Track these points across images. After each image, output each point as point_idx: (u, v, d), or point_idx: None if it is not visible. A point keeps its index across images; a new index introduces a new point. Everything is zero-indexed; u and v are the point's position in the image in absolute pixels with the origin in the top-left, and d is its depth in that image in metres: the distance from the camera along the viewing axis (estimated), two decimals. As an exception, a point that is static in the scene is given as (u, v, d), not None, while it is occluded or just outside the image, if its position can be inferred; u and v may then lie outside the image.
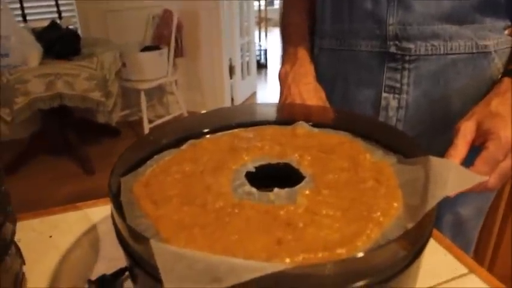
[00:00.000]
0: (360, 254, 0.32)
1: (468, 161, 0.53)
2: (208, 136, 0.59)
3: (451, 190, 0.39)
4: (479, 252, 1.49)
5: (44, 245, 0.58)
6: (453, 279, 0.52)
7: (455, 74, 0.71)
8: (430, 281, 0.51)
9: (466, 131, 0.56)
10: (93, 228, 0.61)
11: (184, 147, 0.56)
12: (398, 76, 0.74)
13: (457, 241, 0.61)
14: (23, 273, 0.50)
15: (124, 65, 2.77)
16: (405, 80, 0.73)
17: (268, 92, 4.33)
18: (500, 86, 0.64)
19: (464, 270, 0.53)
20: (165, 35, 3.05)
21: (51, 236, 0.60)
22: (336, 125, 0.60)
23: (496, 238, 1.52)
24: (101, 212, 0.65)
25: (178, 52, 3.22)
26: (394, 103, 0.75)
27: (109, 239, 0.58)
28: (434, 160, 0.45)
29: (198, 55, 3.42)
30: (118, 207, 0.43)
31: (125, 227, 0.38)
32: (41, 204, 2.10)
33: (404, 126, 0.76)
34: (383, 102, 0.76)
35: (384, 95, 0.76)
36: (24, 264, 0.50)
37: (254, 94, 4.14)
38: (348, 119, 0.62)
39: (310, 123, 0.60)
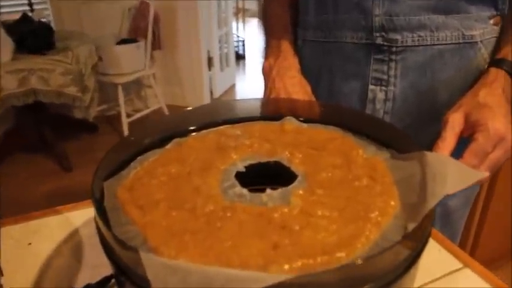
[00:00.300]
0: (364, 259, 0.31)
1: (456, 153, 0.52)
2: (193, 134, 0.57)
3: (451, 188, 0.37)
4: (461, 239, 1.51)
5: (23, 253, 0.55)
6: (448, 274, 0.51)
7: (442, 65, 0.71)
8: (425, 278, 0.50)
9: (454, 122, 0.56)
10: (75, 233, 0.58)
11: (169, 146, 0.54)
12: (385, 68, 0.72)
13: (444, 232, 0.60)
14: (1, 285, 0.47)
15: (100, 58, 2.70)
16: (392, 72, 0.72)
17: (247, 84, 4.30)
18: (487, 76, 0.64)
19: (459, 265, 0.53)
20: (141, 28, 2.98)
21: (30, 243, 0.57)
22: (325, 120, 0.58)
23: (476, 226, 1.54)
24: (82, 215, 0.62)
25: (156, 45, 3.16)
26: (381, 95, 0.74)
27: (92, 244, 0.56)
28: (430, 156, 0.43)
29: (176, 47, 3.36)
30: (102, 214, 0.40)
31: (111, 236, 0.35)
32: (19, 204, 2.04)
33: (392, 119, 0.75)
34: (370, 95, 0.75)
35: (371, 87, 0.75)
36: (2, 275, 0.47)
37: (233, 86, 4.10)
38: (337, 113, 0.61)
39: (299, 119, 0.59)
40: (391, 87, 0.73)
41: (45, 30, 2.44)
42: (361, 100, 0.76)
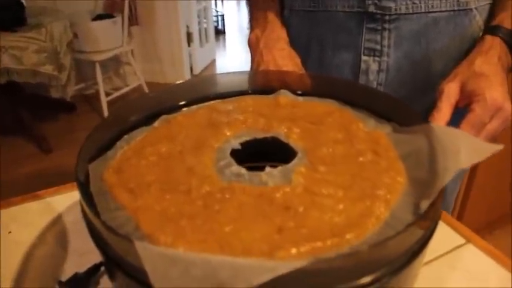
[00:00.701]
0: (383, 241, 0.28)
1: (452, 124, 0.50)
2: (182, 110, 0.53)
3: (465, 162, 0.35)
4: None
5: (3, 242, 0.51)
6: (451, 250, 0.50)
7: (437, 34, 0.68)
8: (429, 255, 0.48)
9: (450, 92, 0.54)
10: (58, 220, 0.55)
11: (156, 124, 0.50)
12: (378, 37, 0.69)
13: None
14: (-19, 278, 0.44)
15: (75, 35, 2.60)
16: (385, 42, 0.69)
17: (228, 59, 4.23)
18: (482, 44, 0.61)
19: (462, 240, 0.51)
20: (117, 2, 2.87)
21: (10, 232, 0.53)
22: (319, 92, 0.55)
23: (462, 195, 1.55)
24: (64, 200, 0.58)
25: (133, 20, 3.06)
26: (374, 66, 0.71)
27: (77, 230, 0.52)
28: (438, 129, 0.41)
29: (154, 23, 3.26)
30: (88, 199, 0.37)
31: (100, 223, 0.32)
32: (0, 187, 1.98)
33: (385, 90, 0.72)
34: (363, 66, 0.72)
35: (364, 58, 0.72)
36: (-19, 267, 0.44)
37: (213, 62, 4.03)
38: (332, 84, 0.58)
39: (295, 92, 0.55)
40: (385, 58, 0.70)
41: (14, 5, 2.31)
42: (353, 72, 0.73)
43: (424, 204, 0.34)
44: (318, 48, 0.76)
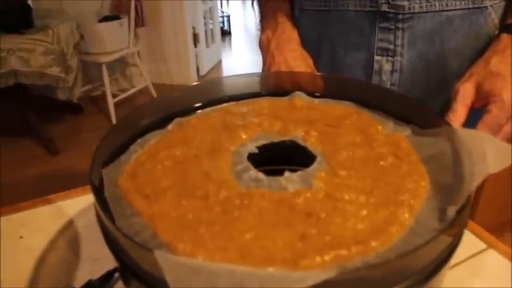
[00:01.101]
0: (413, 249, 0.27)
1: (467, 126, 0.49)
2: (196, 113, 0.52)
3: (494, 167, 0.34)
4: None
5: (15, 247, 0.51)
6: (473, 256, 0.48)
7: (452, 32, 0.67)
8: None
9: (465, 93, 0.53)
10: (69, 225, 0.54)
11: (170, 127, 0.49)
12: (391, 37, 0.68)
13: None
14: (-7, 285, 0.43)
15: (82, 37, 2.60)
16: (399, 41, 0.68)
17: (234, 60, 4.22)
18: (498, 43, 0.60)
19: (483, 245, 0.50)
20: (123, 4, 2.87)
21: (21, 237, 0.52)
22: (335, 94, 0.54)
23: (473, 197, 1.53)
24: (76, 204, 0.58)
25: (139, 21, 3.05)
26: (387, 66, 0.70)
27: (90, 235, 0.51)
28: (461, 131, 0.40)
29: (160, 24, 3.26)
30: (104, 205, 0.36)
31: (116, 231, 0.31)
32: (7, 190, 1.97)
33: (399, 90, 0.71)
34: (376, 66, 0.71)
35: (377, 58, 0.70)
36: (-7, 273, 0.43)
37: (220, 62, 4.02)
38: (348, 86, 0.56)
39: (312, 94, 0.54)
40: (398, 58, 0.69)
41: (22, 7, 2.32)
42: (366, 72, 0.72)
43: (452, 210, 0.33)
44: (329, 49, 0.75)
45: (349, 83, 0.58)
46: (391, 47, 0.68)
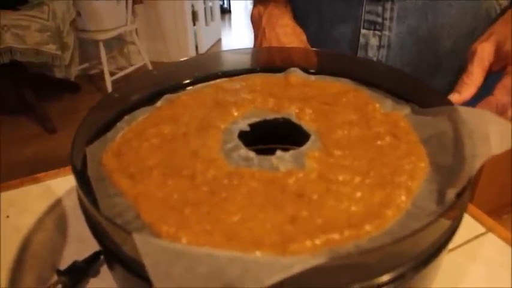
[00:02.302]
0: (410, 234, 0.26)
1: (483, 91, 0.46)
2: (186, 89, 0.50)
3: (497, 148, 0.32)
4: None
5: (1, 227, 0.49)
6: (471, 240, 0.47)
7: (446, 7, 0.61)
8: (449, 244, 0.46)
9: (484, 54, 0.47)
10: (57, 204, 0.52)
11: (159, 103, 0.47)
12: (379, 9, 0.63)
13: None
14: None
15: (79, 14, 2.55)
16: (387, 14, 0.63)
17: (233, 39, 4.16)
18: None
19: (482, 229, 0.48)
20: (121, -20, 2.81)
21: (8, 216, 0.51)
22: (332, 71, 0.52)
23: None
24: (65, 183, 0.56)
25: (137, -2, 3.00)
26: (374, 41, 0.65)
27: (77, 216, 0.49)
28: (464, 110, 0.37)
29: (159, 1, 3.20)
30: (85, 185, 0.34)
31: (97, 213, 0.29)
32: (4, 168, 1.96)
33: None
34: (361, 40, 0.66)
35: (363, 31, 0.65)
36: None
37: (219, 41, 3.96)
38: (345, 62, 0.54)
39: (307, 70, 0.52)
40: (386, 32, 0.64)
41: (17, -17, 2.28)
42: (351, 47, 0.68)
43: (451, 193, 0.31)
44: (316, 21, 0.71)
45: (346, 59, 0.56)
46: (379, 20, 0.64)
